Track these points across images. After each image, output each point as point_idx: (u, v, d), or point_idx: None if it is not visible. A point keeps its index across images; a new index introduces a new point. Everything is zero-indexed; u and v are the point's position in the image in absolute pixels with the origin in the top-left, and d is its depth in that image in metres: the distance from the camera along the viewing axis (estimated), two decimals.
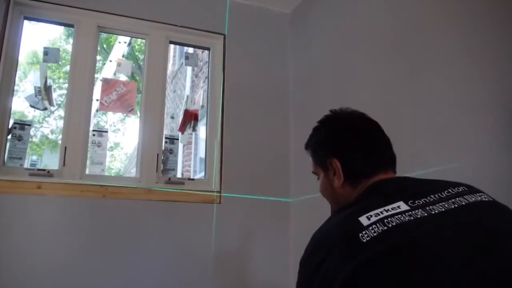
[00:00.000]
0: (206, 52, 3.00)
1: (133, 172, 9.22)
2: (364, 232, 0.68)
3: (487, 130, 1.40)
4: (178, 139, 2.74)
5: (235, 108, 2.76)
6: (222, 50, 2.85)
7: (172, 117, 7.56)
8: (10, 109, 2.37)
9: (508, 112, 1.33)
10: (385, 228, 0.68)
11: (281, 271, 2.61)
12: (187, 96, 4.68)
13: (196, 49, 3.78)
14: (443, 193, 0.76)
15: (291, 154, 2.81)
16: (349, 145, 0.92)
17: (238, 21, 2.90)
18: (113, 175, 10.02)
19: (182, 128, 2.86)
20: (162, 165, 2.59)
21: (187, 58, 3.05)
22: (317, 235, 0.81)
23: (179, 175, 4.51)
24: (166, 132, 2.74)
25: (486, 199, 0.76)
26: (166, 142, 2.65)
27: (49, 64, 2.60)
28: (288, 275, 2.60)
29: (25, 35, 2.46)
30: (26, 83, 10.39)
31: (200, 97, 5.63)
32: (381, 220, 0.70)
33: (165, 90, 2.73)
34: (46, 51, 2.51)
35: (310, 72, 2.72)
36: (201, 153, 5.65)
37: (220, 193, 2.60)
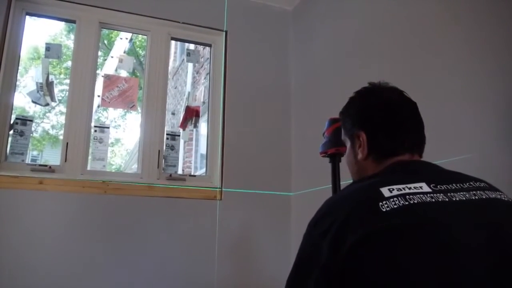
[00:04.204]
0: (208, 48, 3.00)
1: (134, 168, 9.24)
2: (384, 202, 0.69)
3: (489, 124, 1.40)
4: (179, 136, 2.75)
5: (237, 104, 2.77)
6: (224, 47, 2.85)
7: (173, 114, 7.56)
8: (12, 104, 2.37)
9: (509, 106, 1.34)
10: (406, 203, 0.69)
11: (283, 264, 2.62)
12: (189, 93, 4.68)
13: (197, 45, 3.78)
14: (464, 184, 0.77)
15: (292, 148, 2.82)
16: (377, 121, 0.92)
17: (240, 18, 2.90)
18: (113, 171, 10.03)
19: (184, 125, 2.87)
20: (163, 162, 2.60)
21: (188, 54, 3.05)
22: (332, 199, 0.81)
23: (180, 171, 4.51)
24: (167, 128, 2.74)
25: (505, 199, 0.77)
26: (167, 139, 2.66)
27: (50, 60, 2.61)
28: (290, 267, 2.61)
29: (27, 31, 2.46)
30: (26, 79, 10.39)
31: (201, 93, 5.63)
32: (402, 195, 0.70)
33: (167, 86, 2.73)
34: (48, 47, 2.52)
35: (312, 68, 2.73)
36: (202, 149, 5.66)
37: (221, 189, 2.61)
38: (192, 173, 5.09)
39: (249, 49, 2.89)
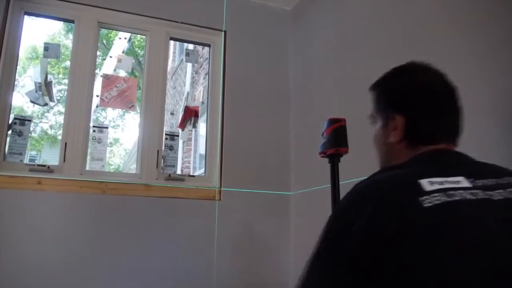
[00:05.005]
0: (207, 48, 3.00)
1: (133, 168, 9.23)
2: (425, 198, 0.65)
3: (489, 124, 1.40)
4: (178, 136, 2.75)
5: (236, 104, 2.77)
6: (223, 47, 2.84)
7: (172, 114, 7.55)
8: (11, 104, 2.36)
9: (510, 106, 1.34)
10: (449, 200, 0.65)
11: (283, 264, 2.62)
12: (187, 93, 4.67)
13: (196, 45, 3.78)
14: (500, 178, 0.73)
15: (291, 148, 2.82)
16: (419, 106, 0.85)
17: (239, 18, 2.89)
18: (112, 171, 10.02)
19: (182, 125, 2.86)
20: (162, 162, 2.60)
21: (187, 54, 3.05)
22: (365, 186, 0.75)
23: (178, 171, 4.52)
24: (166, 128, 2.74)
25: None
26: (166, 139, 2.65)
27: (49, 60, 2.60)
28: (289, 267, 2.61)
29: (25, 30, 2.45)
30: (25, 78, 10.37)
31: (200, 93, 5.62)
32: (444, 190, 0.66)
33: (166, 86, 2.73)
34: (47, 47, 2.51)
35: (310, 68, 2.73)
36: (201, 149, 5.65)
37: (220, 188, 2.60)
38: (191, 173, 5.09)
39: (248, 49, 2.89)
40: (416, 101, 0.86)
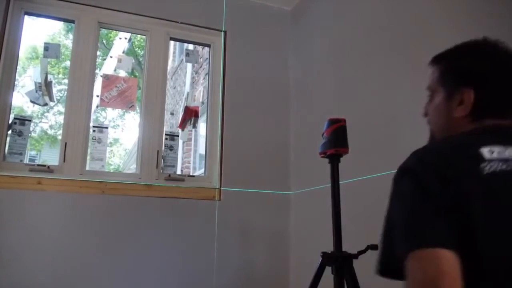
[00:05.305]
0: (207, 48, 3.00)
1: (132, 168, 9.22)
2: (486, 164, 0.69)
3: None
4: (178, 136, 2.75)
5: (235, 104, 2.77)
6: (223, 47, 2.84)
7: (172, 114, 7.55)
8: (11, 104, 2.37)
9: None
10: (508, 169, 0.69)
11: (283, 263, 2.62)
12: (187, 93, 4.68)
13: (196, 45, 3.78)
14: None
15: (291, 148, 2.82)
16: (489, 82, 0.84)
17: (239, 18, 2.90)
18: (112, 171, 10.01)
19: (182, 125, 2.86)
20: (162, 162, 2.60)
21: (187, 54, 3.05)
22: (426, 151, 0.76)
23: (178, 172, 4.51)
24: (166, 128, 2.73)
25: None
26: (166, 139, 2.65)
27: (49, 60, 2.60)
28: (289, 266, 2.61)
29: (25, 30, 2.45)
30: (25, 78, 10.37)
31: (200, 93, 5.62)
32: (503, 160, 0.70)
33: (166, 86, 2.73)
34: (47, 47, 2.51)
35: (310, 68, 2.73)
36: (201, 149, 5.65)
37: (220, 188, 2.60)
38: (191, 173, 5.09)
39: (248, 49, 2.89)
40: (487, 76, 0.85)
